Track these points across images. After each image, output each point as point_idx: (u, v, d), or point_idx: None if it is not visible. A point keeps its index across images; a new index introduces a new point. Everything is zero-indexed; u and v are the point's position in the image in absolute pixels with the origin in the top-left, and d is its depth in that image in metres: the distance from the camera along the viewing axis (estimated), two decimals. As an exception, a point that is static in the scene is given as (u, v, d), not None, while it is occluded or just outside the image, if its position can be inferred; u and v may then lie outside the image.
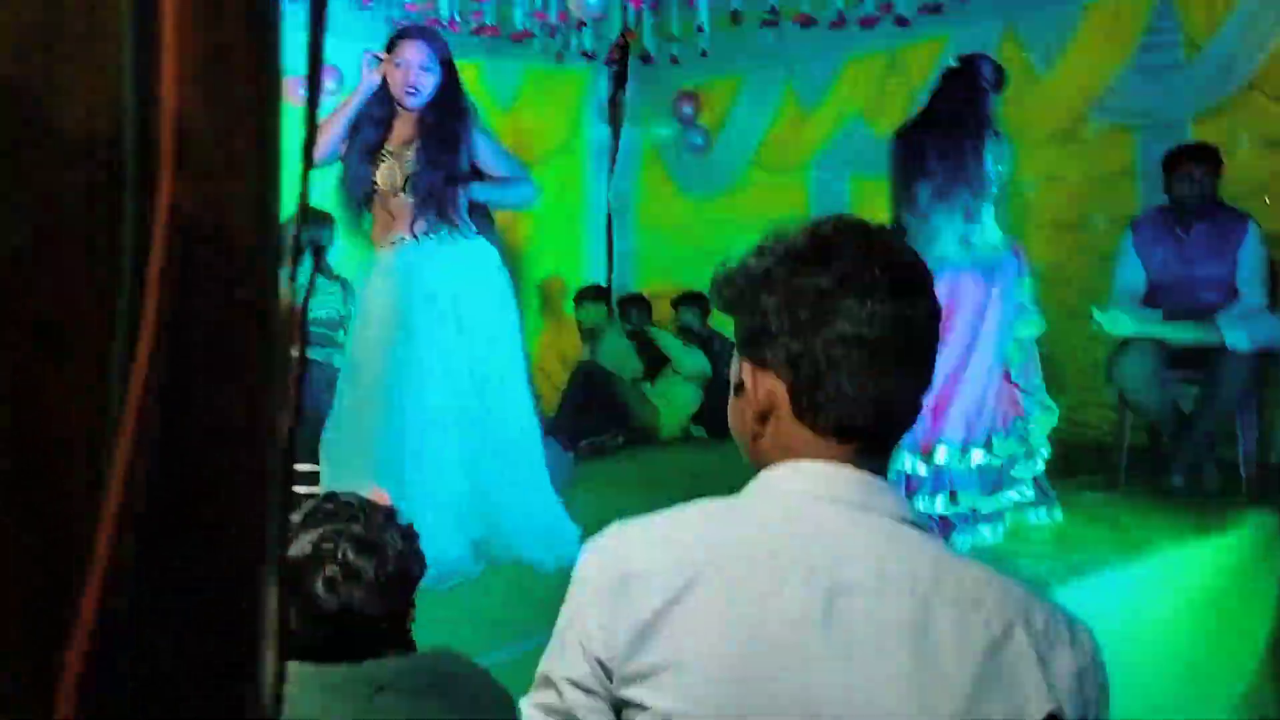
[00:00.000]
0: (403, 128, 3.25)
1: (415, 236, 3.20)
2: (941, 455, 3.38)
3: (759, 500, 1.04)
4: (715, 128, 6.45)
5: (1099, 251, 4.82)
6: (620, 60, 6.60)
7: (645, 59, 5.93)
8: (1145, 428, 4.39)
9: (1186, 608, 3.36)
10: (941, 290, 1.23)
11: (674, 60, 5.82)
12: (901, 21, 4.97)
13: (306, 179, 0.46)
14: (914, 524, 1.00)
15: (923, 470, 3.38)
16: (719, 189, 6.47)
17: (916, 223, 3.47)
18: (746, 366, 1.06)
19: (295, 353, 0.47)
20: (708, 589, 0.95)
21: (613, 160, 6.89)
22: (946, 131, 3.48)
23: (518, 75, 6.24)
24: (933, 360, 1.05)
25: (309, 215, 0.48)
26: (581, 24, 5.29)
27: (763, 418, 1.04)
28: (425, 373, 3.11)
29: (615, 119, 6.87)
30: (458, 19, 5.18)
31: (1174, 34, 4.76)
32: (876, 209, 5.79)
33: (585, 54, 5.87)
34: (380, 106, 3.24)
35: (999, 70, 3.63)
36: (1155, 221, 4.31)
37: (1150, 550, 3.37)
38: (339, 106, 3.30)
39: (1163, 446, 4.24)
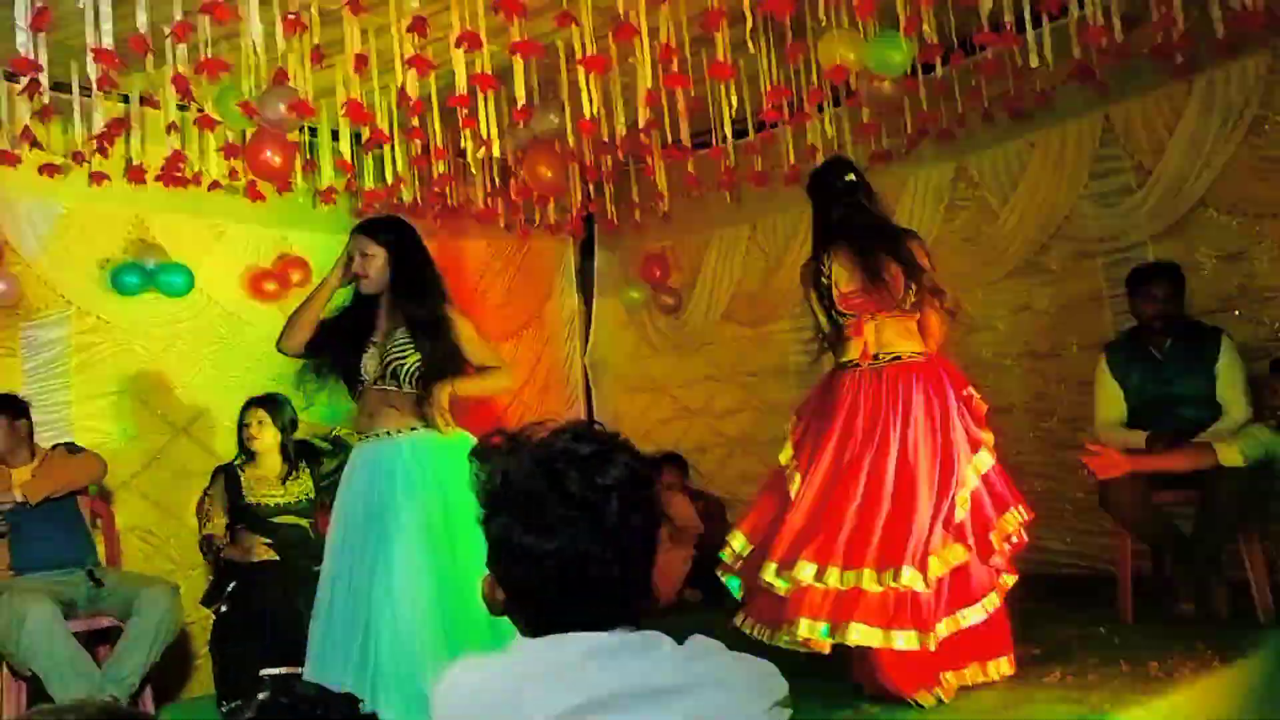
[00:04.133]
0: (382, 318, 3.27)
1: (391, 432, 3.14)
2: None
3: None
4: (685, 287, 6.50)
5: (1076, 378, 4.78)
6: (585, 230, 6.70)
7: (610, 226, 6.01)
8: (1148, 555, 4.25)
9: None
10: None
11: (638, 226, 5.90)
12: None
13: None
14: None
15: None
16: (694, 346, 6.48)
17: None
18: None
19: None
20: None
21: (586, 327, 6.92)
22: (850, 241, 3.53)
23: (485, 252, 6.31)
24: None
25: None
26: (543, 199, 5.37)
27: None
28: (395, 575, 2.97)
29: (585, 286, 6.93)
30: (420, 203, 5.26)
31: (1122, 160, 4.84)
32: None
33: (549, 227, 5.94)
34: (362, 299, 3.31)
35: (849, 169, 3.62)
36: (1128, 344, 4.28)
37: (1171, 685, 3.19)
38: (304, 302, 3.34)
39: (1167, 572, 4.08)
